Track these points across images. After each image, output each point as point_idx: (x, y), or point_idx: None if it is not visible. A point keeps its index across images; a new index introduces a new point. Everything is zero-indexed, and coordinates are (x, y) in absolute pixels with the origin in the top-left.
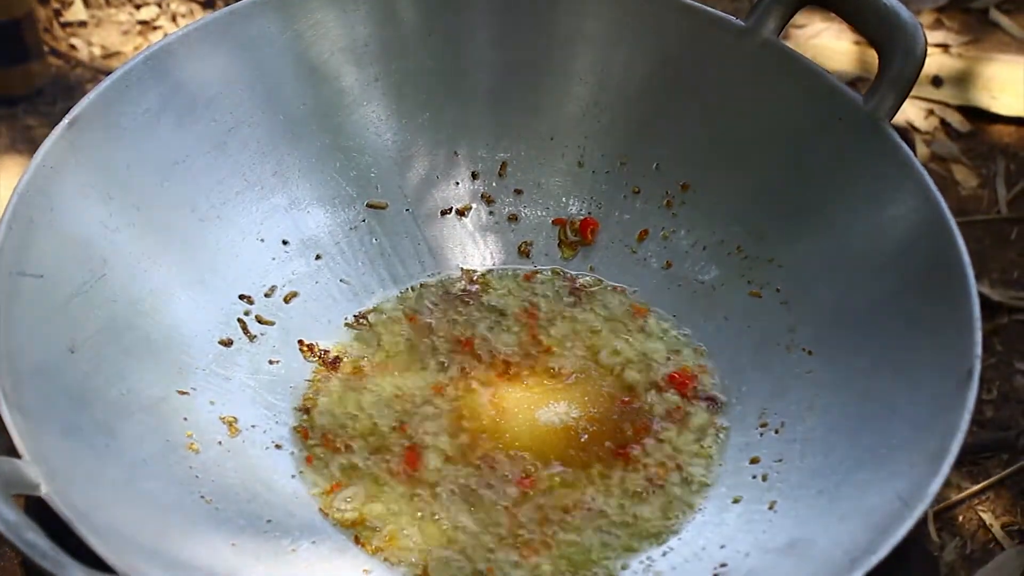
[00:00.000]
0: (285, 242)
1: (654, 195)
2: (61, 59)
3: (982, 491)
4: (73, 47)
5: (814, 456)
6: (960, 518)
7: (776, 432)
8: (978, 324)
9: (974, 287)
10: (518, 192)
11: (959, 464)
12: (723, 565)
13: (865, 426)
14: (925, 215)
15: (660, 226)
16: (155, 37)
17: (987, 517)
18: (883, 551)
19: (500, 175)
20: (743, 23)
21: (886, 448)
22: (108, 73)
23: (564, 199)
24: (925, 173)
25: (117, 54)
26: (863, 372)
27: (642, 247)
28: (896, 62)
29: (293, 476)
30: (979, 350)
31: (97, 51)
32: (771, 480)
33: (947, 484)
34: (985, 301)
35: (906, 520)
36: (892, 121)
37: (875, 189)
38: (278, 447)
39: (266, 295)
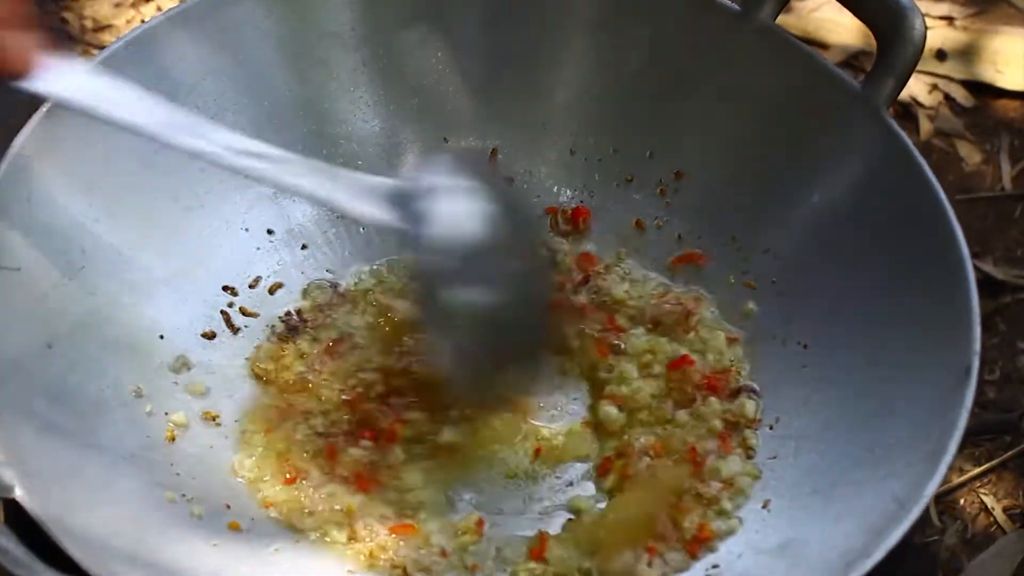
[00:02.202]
0: (270, 232)
1: (647, 184)
2: (52, 33)
3: (984, 474)
4: (64, 20)
5: (809, 454)
6: (961, 501)
7: (771, 428)
8: (977, 320)
9: (973, 281)
10: (509, 180)
11: (960, 447)
12: (715, 566)
13: (861, 424)
14: (924, 206)
15: (654, 215)
16: (147, 10)
17: (989, 500)
18: (878, 555)
19: (490, 162)
20: (738, 7)
21: (882, 447)
22: (99, 47)
23: (556, 187)
24: (924, 163)
25: (109, 27)
26: (859, 368)
27: (635, 236)
28: (895, 48)
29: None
30: (978, 346)
31: (89, 24)
32: (765, 478)
33: (948, 466)
34: (988, 280)
35: (902, 522)
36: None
37: (873, 179)
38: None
39: (250, 286)
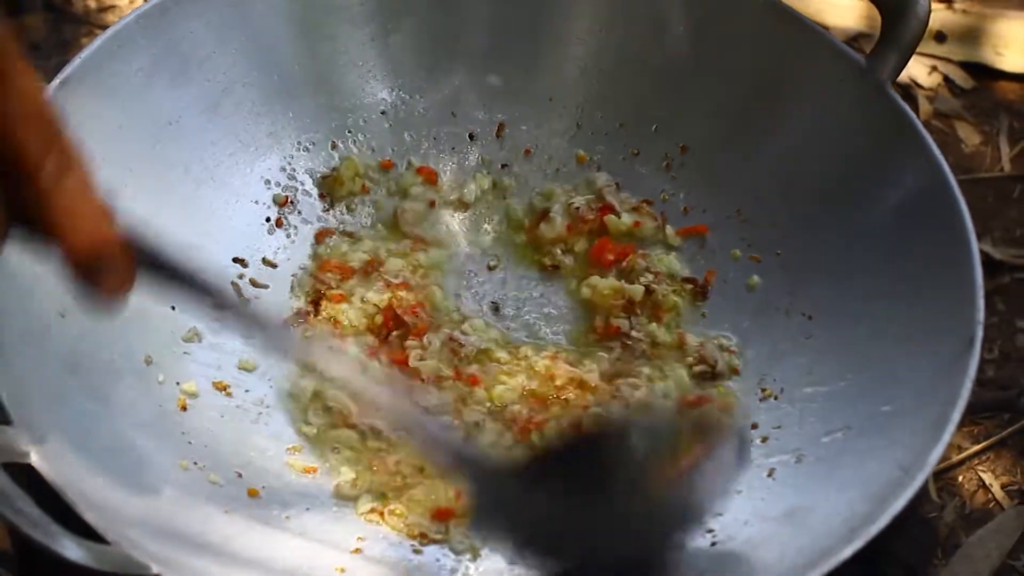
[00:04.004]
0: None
1: (653, 158)
2: (56, 13)
3: (982, 451)
4: (68, 1)
5: (813, 423)
6: (960, 478)
7: (775, 398)
8: (980, 291)
9: (976, 253)
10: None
11: (959, 424)
12: (711, 531)
13: (865, 393)
14: (928, 179)
15: (659, 189)
16: None
17: (987, 477)
18: (882, 521)
19: (498, 136)
20: None
21: (886, 416)
22: (103, 27)
23: (563, 162)
24: (928, 136)
25: (112, 7)
26: (863, 338)
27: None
28: (899, 24)
29: (287, 442)
30: (981, 316)
31: (92, 4)
32: (770, 446)
33: (947, 444)
34: (987, 259)
35: (906, 489)
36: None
37: (877, 152)
38: (272, 412)
39: (262, 259)
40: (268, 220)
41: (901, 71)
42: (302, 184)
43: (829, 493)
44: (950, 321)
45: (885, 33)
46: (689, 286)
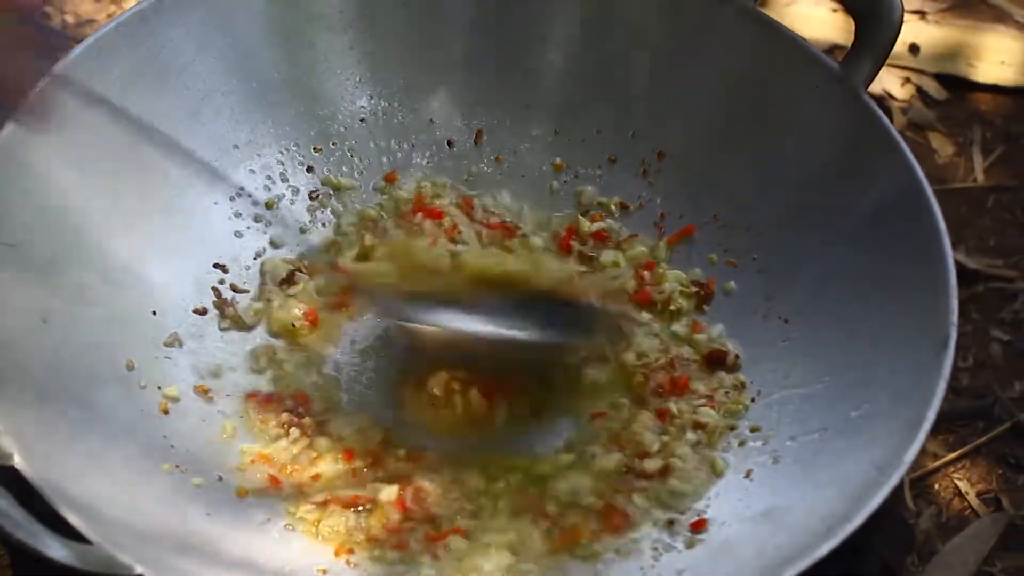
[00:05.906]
0: (260, 212)
1: (630, 164)
2: (33, 27)
3: (958, 459)
4: (46, 15)
5: (790, 424)
6: (936, 486)
7: (752, 400)
8: (954, 292)
9: (950, 255)
10: (495, 160)
11: (935, 432)
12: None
13: (842, 395)
14: (902, 183)
15: (636, 195)
16: (129, 5)
17: (963, 485)
18: (859, 519)
19: (475, 143)
20: None
21: (862, 416)
22: (81, 41)
23: (540, 168)
24: (902, 141)
25: (90, 22)
26: (840, 340)
27: (619, 216)
28: (873, 30)
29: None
30: (955, 318)
31: (70, 19)
32: (748, 448)
33: (923, 452)
34: (962, 269)
35: (882, 488)
36: (868, 89)
37: (852, 157)
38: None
39: (247, 268)
40: (248, 228)
41: (875, 76)
42: (281, 191)
43: (806, 493)
44: (925, 322)
45: (859, 39)
46: (695, 289)
